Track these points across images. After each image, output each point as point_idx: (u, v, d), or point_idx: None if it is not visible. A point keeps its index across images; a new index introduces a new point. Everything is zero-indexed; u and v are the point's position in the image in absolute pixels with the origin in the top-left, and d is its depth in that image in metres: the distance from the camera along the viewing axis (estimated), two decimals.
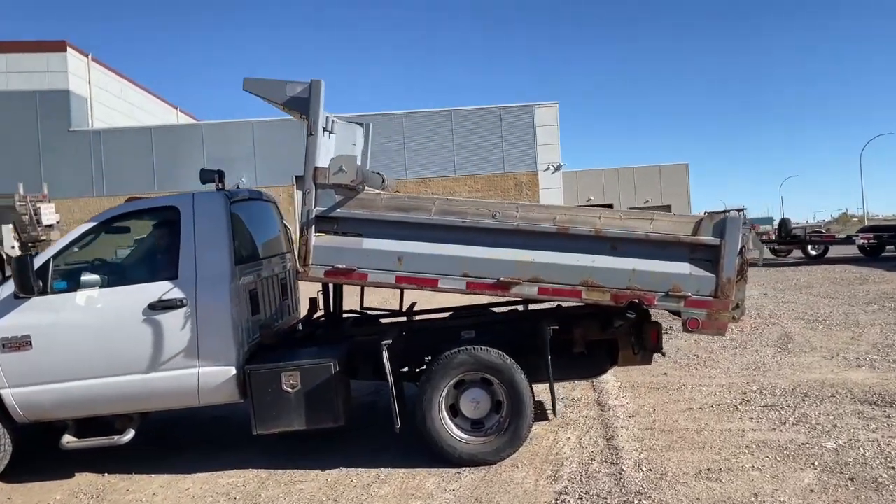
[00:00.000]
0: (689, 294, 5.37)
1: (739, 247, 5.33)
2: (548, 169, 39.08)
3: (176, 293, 5.57)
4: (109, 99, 43.08)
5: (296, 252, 5.45)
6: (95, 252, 5.96)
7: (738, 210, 44.79)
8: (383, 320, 7.00)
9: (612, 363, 6.26)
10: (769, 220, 60.70)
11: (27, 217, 20.95)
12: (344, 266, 5.42)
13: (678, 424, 6.26)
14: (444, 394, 5.56)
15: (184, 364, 5.58)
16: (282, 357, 5.70)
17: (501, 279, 5.37)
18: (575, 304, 5.62)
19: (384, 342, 5.49)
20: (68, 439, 5.72)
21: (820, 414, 6.29)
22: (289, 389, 5.56)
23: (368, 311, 7.19)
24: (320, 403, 5.57)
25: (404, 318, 7.03)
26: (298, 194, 40.65)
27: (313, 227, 5.44)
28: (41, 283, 5.56)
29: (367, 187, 5.65)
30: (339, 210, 5.45)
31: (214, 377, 5.60)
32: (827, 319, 11.04)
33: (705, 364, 8.51)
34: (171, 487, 5.55)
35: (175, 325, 5.56)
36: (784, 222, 22.93)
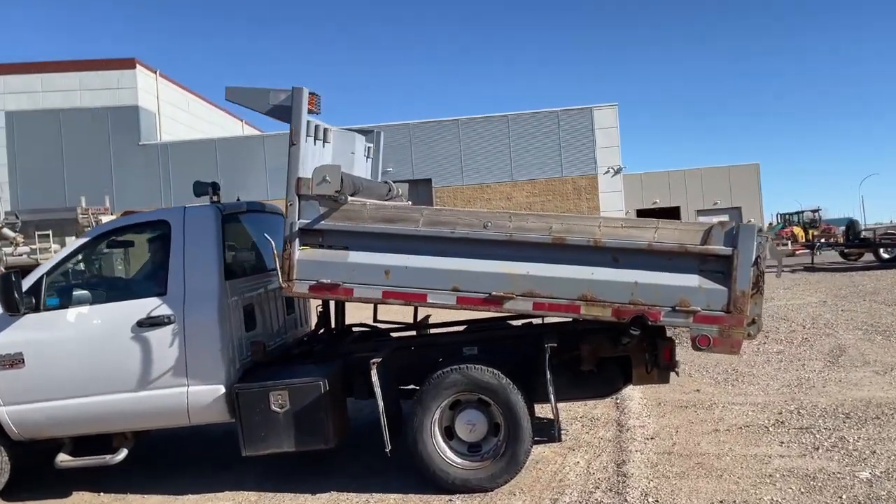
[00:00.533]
0: (699, 309, 4.92)
1: (754, 257, 4.86)
2: (607, 172, 38.29)
3: (164, 310, 5.45)
4: (177, 113, 44.38)
5: (278, 266, 5.24)
6: (97, 267, 5.92)
7: (813, 211, 42.79)
8: (395, 334, 6.75)
9: (626, 381, 5.83)
10: (846, 221, 58.02)
11: (89, 229, 21.64)
12: (328, 281, 5.18)
13: (699, 448, 5.78)
14: (435, 415, 5.26)
15: (172, 382, 5.45)
16: (273, 375, 5.51)
17: (493, 293, 5.04)
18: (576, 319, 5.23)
19: (373, 360, 5.23)
20: (62, 458, 5.66)
21: (859, 438, 5.71)
22: (277, 409, 5.36)
23: (378, 325, 6.95)
24: (309, 424, 5.34)
25: (414, 332, 6.77)
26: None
27: (297, 240, 5.23)
28: (34, 300, 5.53)
29: (351, 198, 5.40)
30: (323, 222, 5.22)
31: (204, 396, 5.45)
32: (888, 330, 10.23)
33: (744, 379, 7.94)
34: None
35: (163, 342, 5.44)
36: (852, 224, 21.70)
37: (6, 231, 21.55)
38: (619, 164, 38.53)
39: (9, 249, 21.17)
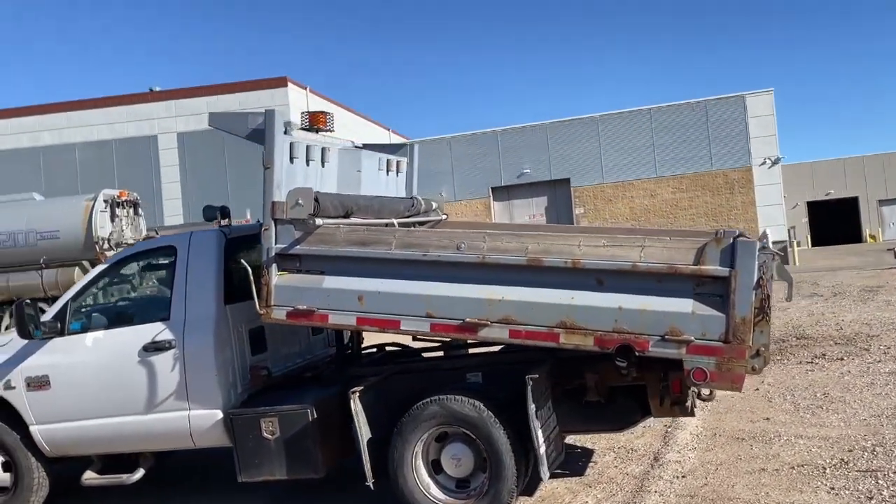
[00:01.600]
0: (692, 338, 4.30)
1: (756, 278, 4.17)
2: (763, 163, 35.66)
3: (166, 335, 5.57)
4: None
5: (254, 292, 5.18)
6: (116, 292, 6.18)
7: None
8: (426, 354, 6.52)
9: (645, 413, 5.25)
10: None
11: None
12: (304, 307, 5.05)
13: (731, 492, 5.08)
14: (416, 448, 4.97)
15: (175, 406, 5.55)
16: (272, 401, 5.47)
17: (467, 320, 4.69)
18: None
19: (353, 389, 5.04)
20: (88, 476, 5.93)
21: None
22: (268, 436, 5.30)
23: (408, 345, 6.73)
24: (299, 452, 5.24)
25: (441, 354, 6.49)
26: (495, 206, 41.04)
27: (274, 265, 5.14)
28: (59, 325, 5.84)
29: (338, 220, 5.23)
30: (298, 247, 5.10)
31: (204, 420, 5.50)
32: None
33: (831, 406, 6.94)
34: None
35: (166, 367, 5.55)
36: None
37: None
38: (777, 155, 35.75)
39: None
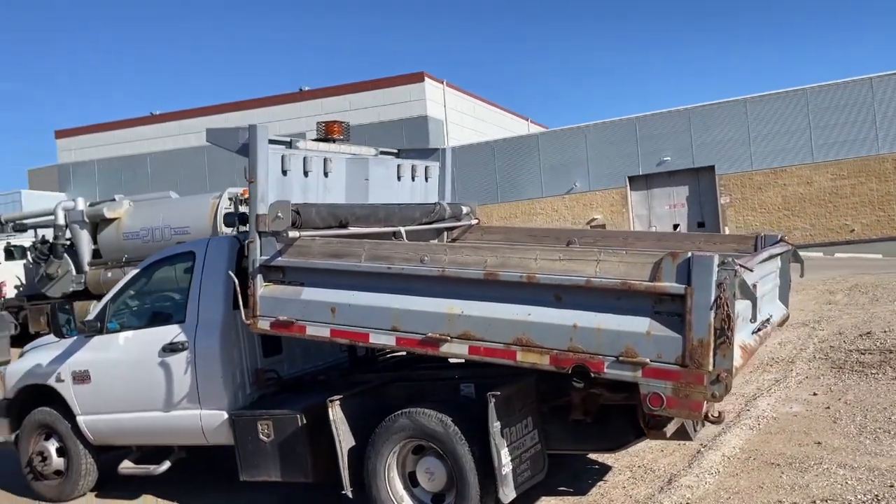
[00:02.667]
0: (647, 360, 3.95)
1: (713, 297, 3.75)
2: None
3: (181, 336, 5.89)
4: (463, 118, 46.98)
5: (241, 303, 5.33)
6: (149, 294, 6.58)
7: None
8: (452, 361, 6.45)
9: (639, 434, 4.88)
10: None
11: None
12: (285, 318, 5.14)
13: None
14: (389, 461, 4.93)
15: (188, 405, 5.86)
16: (271, 404, 5.63)
17: (429, 335, 4.58)
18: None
19: (330, 399, 5.07)
20: (124, 465, 6.41)
21: None
22: (265, 439, 5.47)
23: None
24: (290, 457, 5.37)
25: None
26: (632, 196, 39.67)
27: (259, 276, 5.26)
28: (99, 324, 6.32)
29: (300, 232, 5.20)
30: (279, 259, 5.19)
31: (213, 419, 5.76)
32: None
33: None
34: None
35: (180, 367, 5.87)
36: None
37: None
38: None
39: None
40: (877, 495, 4.83)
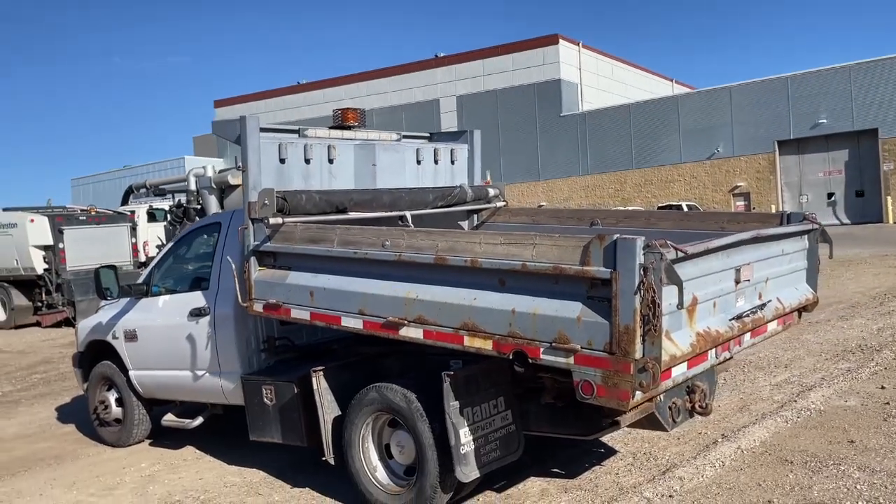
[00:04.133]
0: (578, 347, 3.76)
1: (637, 281, 3.50)
2: None
3: (204, 302, 6.27)
4: (600, 81, 45.56)
5: (237, 285, 5.57)
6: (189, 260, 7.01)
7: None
8: None
9: (615, 423, 4.67)
10: None
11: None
12: (274, 301, 5.33)
13: None
14: (363, 432, 5.03)
15: (210, 366, 6.24)
16: (278, 370, 5.87)
17: (390, 318, 4.61)
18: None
19: (314, 369, 5.23)
20: (166, 417, 6.95)
21: None
22: (268, 403, 5.74)
23: None
24: (288, 421, 5.60)
25: None
26: (780, 161, 36.94)
27: (253, 260, 5.46)
28: (145, 288, 6.85)
29: (284, 218, 5.31)
30: (268, 244, 5.37)
31: (230, 381, 6.12)
32: None
33: None
34: (211, 472, 6.27)
35: (203, 330, 6.26)
36: None
37: None
38: None
39: None
40: (882, 503, 4.35)
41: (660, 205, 35.30)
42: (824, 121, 36.35)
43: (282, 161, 5.72)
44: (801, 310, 5.31)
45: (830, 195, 36.70)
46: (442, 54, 46.76)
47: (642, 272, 3.51)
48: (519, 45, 43.56)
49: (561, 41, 42.49)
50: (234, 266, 5.62)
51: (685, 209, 31.13)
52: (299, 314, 5.20)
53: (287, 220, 5.32)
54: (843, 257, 19.74)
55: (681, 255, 3.68)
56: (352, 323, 4.87)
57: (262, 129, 5.62)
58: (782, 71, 40.32)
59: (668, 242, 3.64)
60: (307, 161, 5.91)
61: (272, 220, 5.25)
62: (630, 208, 34.04)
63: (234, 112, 53.80)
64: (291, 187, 5.72)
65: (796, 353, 8.58)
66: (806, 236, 5.28)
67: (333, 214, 5.69)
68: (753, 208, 36.60)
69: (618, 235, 3.59)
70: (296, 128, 6.09)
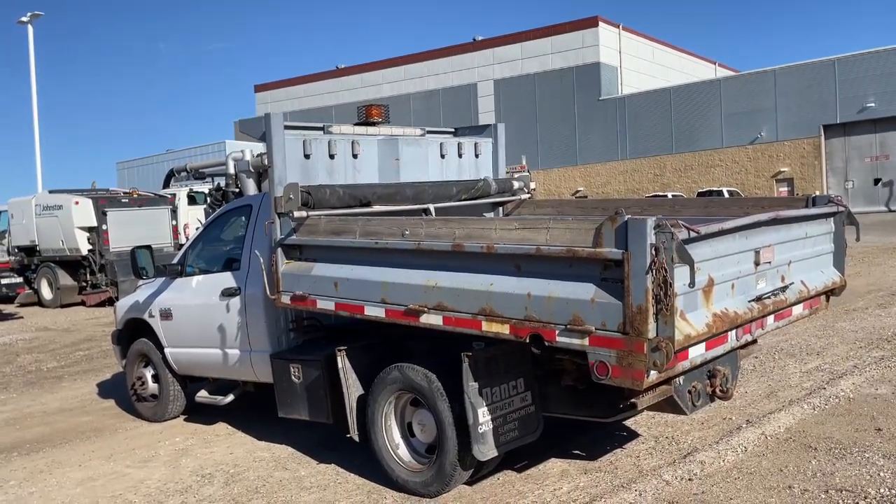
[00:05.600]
0: (592, 328, 3.80)
1: (648, 261, 3.53)
2: None
3: (235, 283, 6.42)
4: (640, 64, 44.88)
5: (265, 278, 5.70)
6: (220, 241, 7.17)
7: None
8: None
9: (633, 405, 4.69)
10: None
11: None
12: (300, 293, 5.45)
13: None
14: (385, 410, 5.14)
15: (241, 345, 6.42)
16: (305, 349, 6.00)
17: (410, 306, 4.69)
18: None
19: (338, 348, 5.34)
20: (200, 394, 7.15)
21: None
22: (296, 381, 5.88)
23: None
24: (315, 399, 5.73)
25: None
26: (826, 146, 36.06)
27: (280, 254, 5.59)
28: (179, 267, 7.04)
29: (308, 212, 5.41)
30: (293, 237, 5.50)
31: (260, 359, 6.27)
32: None
33: None
34: (242, 447, 6.46)
35: (234, 310, 6.42)
36: None
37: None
38: None
39: None
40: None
41: (699, 190, 34.78)
42: (873, 104, 35.39)
43: (306, 157, 5.88)
44: (829, 294, 5.26)
45: (877, 181, 35.76)
46: (480, 38, 46.52)
47: (653, 252, 3.53)
48: (558, 27, 43.12)
49: (601, 24, 41.92)
50: (262, 260, 5.77)
51: (726, 195, 30.63)
52: (325, 305, 5.32)
53: (311, 213, 5.45)
54: (887, 244, 19.28)
55: (693, 234, 3.68)
56: (375, 312, 4.96)
57: (287, 127, 5.78)
58: (830, 53, 39.23)
59: (680, 222, 3.65)
60: (331, 156, 6.07)
61: (297, 214, 5.38)
62: (658, 195, 33.57)
63: (274, 96, 54.31)
64: (316, 182, 5.88)
65: (829, 341, 8.46)
66: (831, 219, 5.21)
67: (357, 208, 5.81)
68: (797, 195, 35.86)
69: (629, 216, 3.61)
70: (320, 125, 6.24)
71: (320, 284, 5.31)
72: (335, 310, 5.27)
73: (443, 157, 6.96)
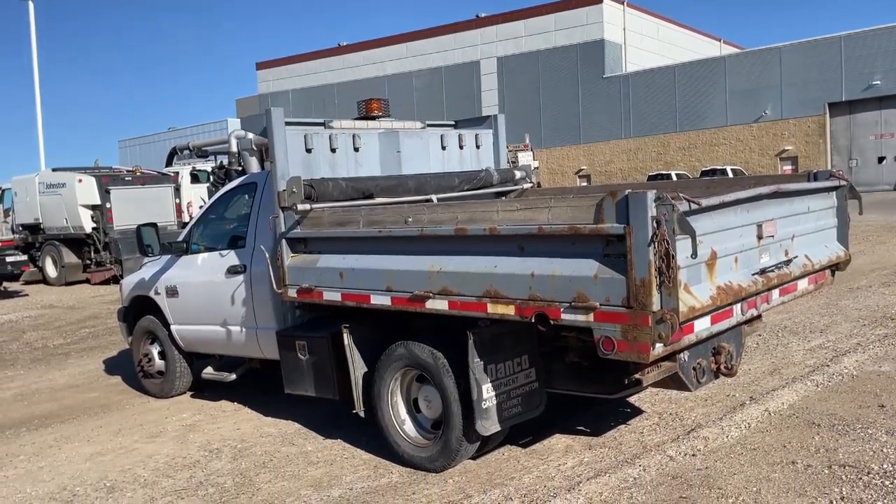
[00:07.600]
0: (597, 304, 3.82)
1: (651, 234, 3.54)
2: None
3: (241, 260, 6.44)
4: (644, 41, 44.54)
5: (271, 273, 5.73)
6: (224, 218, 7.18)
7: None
8: None
9: (637, 382, 4.71)
10: None
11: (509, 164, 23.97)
12: (307, 285, 5.48)
13: (725, 482, 4.42)
14: (391, 386, 5.18)
15: (246, 322, 6.45)
16: (312, 326, 6.03)
17: (416, 293, 4.72)
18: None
19: (344, 325, 5.37)
20: (206, 370, 7.21)
21: None
22: (302, 357, 5.91)
23: None
24: (321, 375, 5.77)
25: None
26: (831, 124, 35.85)
27: (285, 247, 5.61)
28: (185, 245, 7.06)
29: (311, 205, 5.44)
30: (297, 230, 5.52)
31: (266, 336, 6.31)
32: None
33: None
34: (249, 423, 6.52)
35: (240, 288, 6.45)
36: None
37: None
38: None
39: None
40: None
41: (703, 169, 34.67)
42: (878, 82, 35.13)
43: (308, 151, 5.92)
44: (834, 268, 5.27)
45: (881, 159, 35.61)
46: (483, 14, 46.14)
47: (655, 224, 3.54)
48: (561, 4, 42.74)
49: (605, 0, 41.54)
50: (267, 256, 5.79)
51: (730, 174, 30.53)
52: (331, 296, 5.35)
53: (315, 206, 5.46)
54: (892, 223, 19.24)
55: (694, 206, 3.70)
56: (381, 300, 4.98)
57: (288, 123, 5.82)
58: (836, 30, 38.92)
59: (680, 194, 3.66)
60: (333, 150, 6.10)
61: (300, 207, 5.39)
62: (663, 174, 33.35)
63: (276, 74, 53.98)
64: (319, 176, 5.91)
65: (833, 319, 8.48)
66: (833, 193, 5.21)
67: (360, 200, 5.83)
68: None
69: (629, 190, 3.62)
70: (321, 120, 6.24)
71: (326, 276, 5.34)
72: (341, 300, 5.30)
73: (444, 149, 7.03)
